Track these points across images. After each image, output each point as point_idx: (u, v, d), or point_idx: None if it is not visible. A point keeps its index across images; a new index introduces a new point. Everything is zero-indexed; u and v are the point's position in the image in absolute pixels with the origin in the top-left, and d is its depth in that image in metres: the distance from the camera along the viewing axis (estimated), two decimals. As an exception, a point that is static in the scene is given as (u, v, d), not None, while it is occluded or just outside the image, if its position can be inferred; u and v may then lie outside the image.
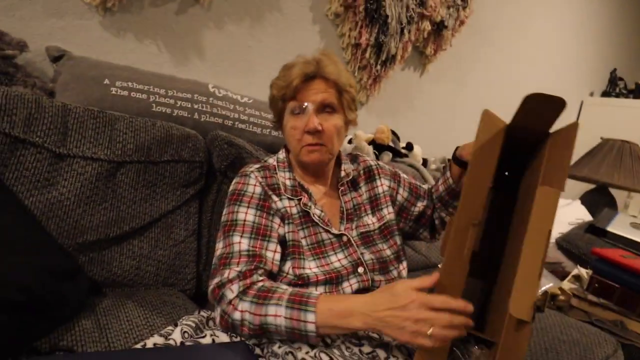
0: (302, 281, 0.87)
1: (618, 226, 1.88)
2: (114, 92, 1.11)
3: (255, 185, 0.91)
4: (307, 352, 0.77)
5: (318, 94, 0.91)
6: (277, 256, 0.87)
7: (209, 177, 1.15)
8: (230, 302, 0.77)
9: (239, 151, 1.15)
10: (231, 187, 0.94)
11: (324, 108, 0.92)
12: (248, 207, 0.89)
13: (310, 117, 0.90)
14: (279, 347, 0.80)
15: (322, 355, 0.76)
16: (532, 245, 0.69)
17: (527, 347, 0.69)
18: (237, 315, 0.76)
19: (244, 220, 0.87)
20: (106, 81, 1.12)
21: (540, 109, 0.71)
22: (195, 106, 1.23)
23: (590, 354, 1.21)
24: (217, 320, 0.80)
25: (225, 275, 0.80)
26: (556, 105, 0.69)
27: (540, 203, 0.70)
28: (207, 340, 0.81)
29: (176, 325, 0.83)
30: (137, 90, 1.15)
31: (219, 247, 0.87)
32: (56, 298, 0.76)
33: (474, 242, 0.73)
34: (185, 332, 0.80)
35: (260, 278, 0.81)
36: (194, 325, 0.83)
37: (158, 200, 1.04)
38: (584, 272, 1.61)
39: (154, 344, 0.76)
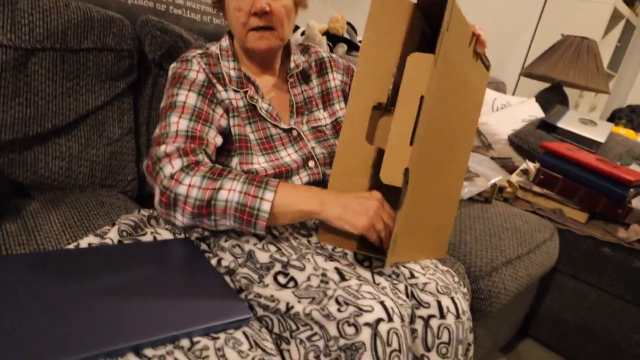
0: None
1: (567, 122, 1.93)
2: (12, -35, 0.93)
3: (198, 71, 0.82)
4: (254, 244, 0.76)
5: None
6: (219, 142, 0.81)
7: (142, 69, 1.03)
8: (172, 176, 0.71)
9: (174, 39, 1.03)
10: (170, 72, 0.85)
11: None
12: (189, 90, 0.80)
13: None
14: (226, 240, 0.78)
15: (270, 247, 0.75)
16: (402, 112, 0.68)
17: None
18: (182, 189, 0.70)
19: (184, 102, 0.79)
20: (0, -50, 0.92)
21: None
22: (119, -14, 1.06)
23: (530, 238, 1.29)
24: (157, 198, 0.74)
25: (162, 149, 0.74)
26: None
27: (411, 69, 0.68)
28: (148, 238, 0.78)
29: (114, 224, 0.78)
30: (43, -37, 0.96)
31: (156, 130, 0.79)
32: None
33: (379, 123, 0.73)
34: (123, 231, 0.76)
35: (206, 160, 0.76)
36: (132, 224, 0.79)
37: (83, 94, 0.93)
38: (531, 166, 1.67)
39: (89, 244, 0.72)
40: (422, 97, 0.66)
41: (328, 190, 0.74)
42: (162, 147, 0.74)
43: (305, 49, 1.01)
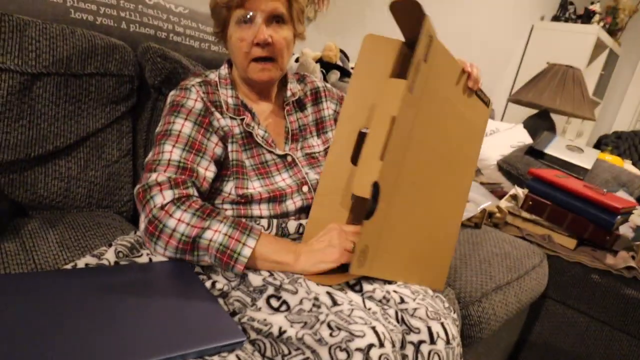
0: (245, 199, 0.85)
1: (555, 148, 1.98)
2: (21, -7, 0.96)
3: (196, 100, 0.85)
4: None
5: (268, 2, 0.83)
6: (210, 175, 0.83)
7: (142, 94, 1.06)
8: (162, 207, 0.73)
9: (174, 65, 1.06)
10: (169, 99, 0.87)
11: (273, 18, 0.85)
12: (186, 119, 0.83)
13: (259, 27, 0.83)
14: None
15: (263, 271, 0.77)
16: (375, 130, 0.75)
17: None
18: (171, 222, 0.72)
19: (179, 131, 0.82)
20: (10, -21, 0.96)
21: (407, 16, 0.75)
22: (122, 14, 1.10)
23: (519, 264, 1.32)
24: (143, 226, 0.75)
25: (153, 178, 0.76)
26: (413, 7, 0.72)
27: (386, 92, 0.76)
28: (143, 259, 0.79)
29: (110, 245, 0.80)
30: (51, -9, 1.00)
31: (149, 155, 0.82)
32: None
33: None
34: (119, 251, 0.77)
35: (196, 194, 0.78)
36: (129, 245, 0.80)
37: (85, 117, 0.96)
38: (520, 192, 1.71)
39: (86, 264, 0.73)
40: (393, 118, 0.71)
41: (303, 245, 0.79)
42: (154, 176, 0.77)
43: (301, 78, 1.04)
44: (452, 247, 0.93)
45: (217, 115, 0.86)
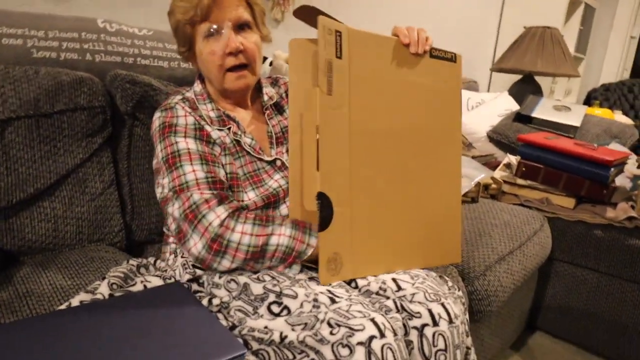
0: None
1: (542, 111, 1.97)
2: (-21, 41, 0.96)
3: (185, 116, 0.84)
4: (249, 276, 0.77)
5: (231, 11, 0.83)
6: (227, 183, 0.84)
7: (116, 122, 1.06)
8: (221, 224, 0.75)
9: (144, 89, 1.05)
10: (157, 123, 0.85)
11: (240, 26, 0.85)
12: (185, 136, 0.82)
13: (229, 36, 0.83)
14: (220, 277, 0.79)
15: (265, 277, 0.76)
16: (306, 143, 0.74)
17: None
18: (235, 237, 0.74)
19: (188, 149, 0.81)
20: (-34, 29, 0.96)
21: (313, 19, 0.74)
22: (85, 46, 1.09)
23: (520, 232, 1.31)
24: (200, 245, 0.75)
25: (196, 197, 0.77)
26: (310, 11, 0.75)
27: (310, 102, 0.73)
28: (138, 287, 0.79)
29: (104, 279, 0.79)
30: (9, 35, 1.00)
31: (165, 182, 0.81)
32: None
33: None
34: (113, 284, 0.77)
35: (235, 202, 0.81)
36: (122, 275, 0.80)
37: (62, 155, 0.95)
38: (513, 160, 1.70)
39: (80, 302, 0.73)
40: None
41: None
42: (195, 196, 0.77)
43: (274, 81, 1.04)
44: (457, 219, 0.91)
45: (208, 128, 0.86)
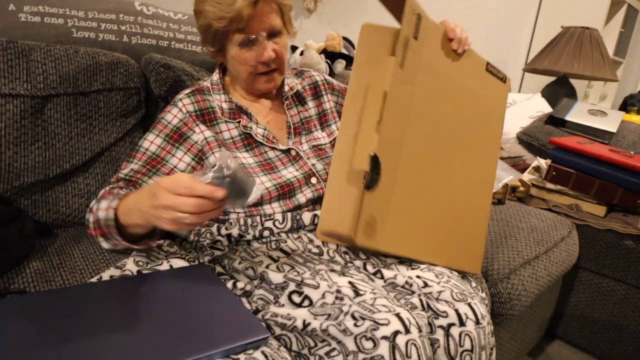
0: (256, 200, 0.85)
1: (576, 114, 1.91)
2: (23, 19, 0.99)
3: (175, 115, 0.88)
4: (267, 265, 0.78)
5: (266, 20, 0.84)
6: None
7: (150, 104, 1.08)
8: (90, 210, 0.79)
9: (177, 74, 1.07)
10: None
11: (273, 33, 0.87)
12: (157, 136, 0.87)
13: (264, 46, 0.85)
14: (239, 263, 0.80)
15: (284, 266, 0.77)
16: (370, 106, 0.72)
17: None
18: (87, 216, 0.78)
19: (146, 149, 0.86)
20: (12, 7, 0.98)
21: (396, 2, 0.74)
22: (123, 27, 1.11)
23: (547, 237, 1.28)
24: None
25: (100, 194, 0.82)
26: None
27: (380, 70, 0.72)
28: (164, 266, 0.80)
29: (129, 256, 0.81)
30: (51, 14, 1.02)
31: None
32: (-4, 243, 0.72)
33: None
34: (138, 261, 0.79)
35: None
36: (145, 254, 0.82)
37: (97, 133, 0.98)
38: (543, 163, 1.66)
39: (111, 276, 0.75)
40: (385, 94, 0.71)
41: (136, 201, 0.71)
42: (101, 192, 0.81)
43: (299, 73, 1.05)
44: (483, 229, 0.91)
45: (202, 127, 0.87)
